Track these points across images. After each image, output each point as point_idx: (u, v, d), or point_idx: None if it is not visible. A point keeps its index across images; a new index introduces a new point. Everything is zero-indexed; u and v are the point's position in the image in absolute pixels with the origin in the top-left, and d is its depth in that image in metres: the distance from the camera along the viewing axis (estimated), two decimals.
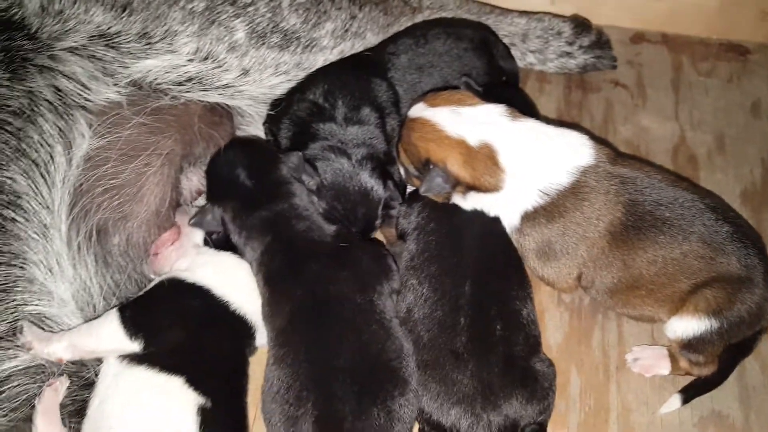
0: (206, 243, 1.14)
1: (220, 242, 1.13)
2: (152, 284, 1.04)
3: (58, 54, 1.04)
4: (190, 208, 1.20)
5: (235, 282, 1.05)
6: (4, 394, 0.95)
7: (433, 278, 1.08)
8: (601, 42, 1.50)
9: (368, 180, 1.16)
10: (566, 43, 1.48)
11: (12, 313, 0.95)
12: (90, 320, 1.03)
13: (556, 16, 1.51)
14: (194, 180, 1.23)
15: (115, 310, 0.98)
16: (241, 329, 1.03)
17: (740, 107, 1.46)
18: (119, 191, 1.09)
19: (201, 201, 1.25)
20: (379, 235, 1.26)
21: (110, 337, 0.95)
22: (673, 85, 1.50)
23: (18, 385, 0.96)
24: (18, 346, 0.95)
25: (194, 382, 0.92)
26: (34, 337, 0.96)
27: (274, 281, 1.03)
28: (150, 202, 1.12)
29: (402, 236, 1.20)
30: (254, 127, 1.31)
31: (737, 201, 1.29)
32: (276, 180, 1.09)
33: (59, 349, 0.96)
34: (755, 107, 1.45)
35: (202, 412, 0.91)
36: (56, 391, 0.96)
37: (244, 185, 1.08)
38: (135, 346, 0.94)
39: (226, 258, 1.09)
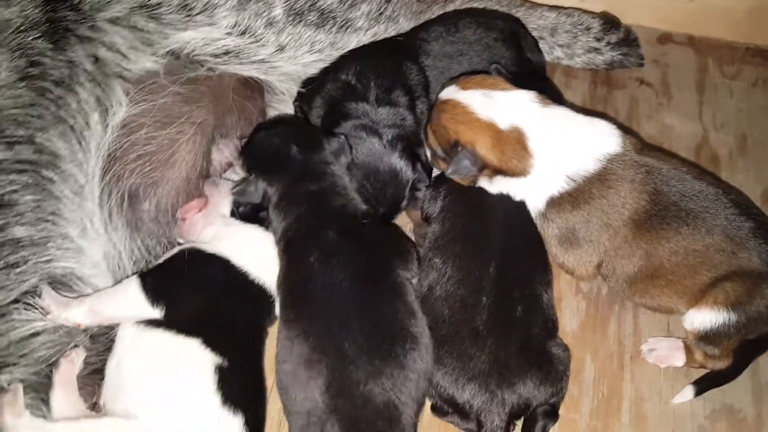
0: (232, 214, 1.17)
1: (246, 215, 1.15)
2: (171, 253, 1.05)
3: (99, 24, 1.06)
4: (219, 179, 1.22)
5: (257, 254, 1.07)
6: (33, 349, 0.97)
7: (457, 258, 1.09)
8: (629, 40, 1.51)
9: (398, 161, 1.17)
10: (594, 39, 1.49)
11: (45, 266, 0.98)
12: (107, 287, 1.05)
13: (585, 12, 1.52)
14: (225, 152, 1.25)
15: (135, 277, 1.00)
16: (260, 298, 1.05)
17: (764, 111, 1.46)
18: (151, 157, 1.11)
19: (230, 175, 1.27)
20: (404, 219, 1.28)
21: (131, 304, 0.97)
22: (698, 86, 1.51)
23: (48, 341, 0.98)
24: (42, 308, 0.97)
25: (211, 343, 0.94)
26: (53, 301, 0.97)
27: (295, 247, 1.06)
28: (181, 169, 1.14)
29: (427, 219, 1.21)
30: (285, 105, 1.33)
31: (758, 202, 1.29)
32: (322, 159, 1.12)
33: (78, 315, 0.97)
34: None
35: (220, 370, 0.92)
36: (72, 363, 0.98)
37: (295, 159, 1.10)
38: (156, 313, 0.96)
39: (252, 230, 1.11)
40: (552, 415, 1.02)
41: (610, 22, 1.51)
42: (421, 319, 1.02)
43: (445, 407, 1.02)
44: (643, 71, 1.54)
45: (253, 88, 1.23)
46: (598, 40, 1.49)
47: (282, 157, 1.12)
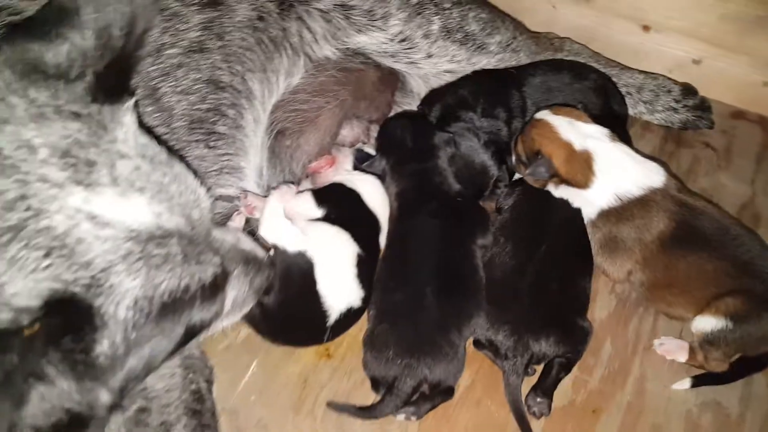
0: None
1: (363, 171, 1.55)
2: (329, 183, 1.50)
3: (312, 11, 1.46)
4: (342, 147, 1.63)
5: (375, 195, 1.49)
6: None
7: (518, 238, 1.41)
8: (704, 106, 1.77)
9: (488, 159, 1.52)
10: (674, 100, 1.76)
11: (230, 154, 1.39)
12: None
13: (669, 78, 1.81)
14: (355, 130, 1.65)
15: (310, 190, 1.45)
16: (374, 223, 1.46)
17: None
18: (302, 113, 1.52)
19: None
20: None
21: (308, 202, 1.41)
22: (758, 158, 1.72)
23: (221, 206, 1.40)
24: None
25: (355, 239, 1.36)
26: (279, 190, 1.38)
27: (404, 208, 1.44)
28: (321, 128, 1.54)
29: (499, 210, 1.54)
30: (408, 103, 1.72)
31: None
32: (430, 146, 1.49)
33: (281, 195, 1.39)
34: None
35: (359, 257, 1.34)
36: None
37: (407, 145, 1.49)
38: (318, 213, 1.39)
39: (373, 179, 1.52)
40: (566, 367, 1.30)
41: (689, 89, 1.79)
42: (481, 279, 1.36)
43: (484, 341, 1.33)
44: (710, 137, 1.77)
45: (387, 85, 1.61)
46: (677, 101, 1.76)
47: (398, 143, 1.50)
